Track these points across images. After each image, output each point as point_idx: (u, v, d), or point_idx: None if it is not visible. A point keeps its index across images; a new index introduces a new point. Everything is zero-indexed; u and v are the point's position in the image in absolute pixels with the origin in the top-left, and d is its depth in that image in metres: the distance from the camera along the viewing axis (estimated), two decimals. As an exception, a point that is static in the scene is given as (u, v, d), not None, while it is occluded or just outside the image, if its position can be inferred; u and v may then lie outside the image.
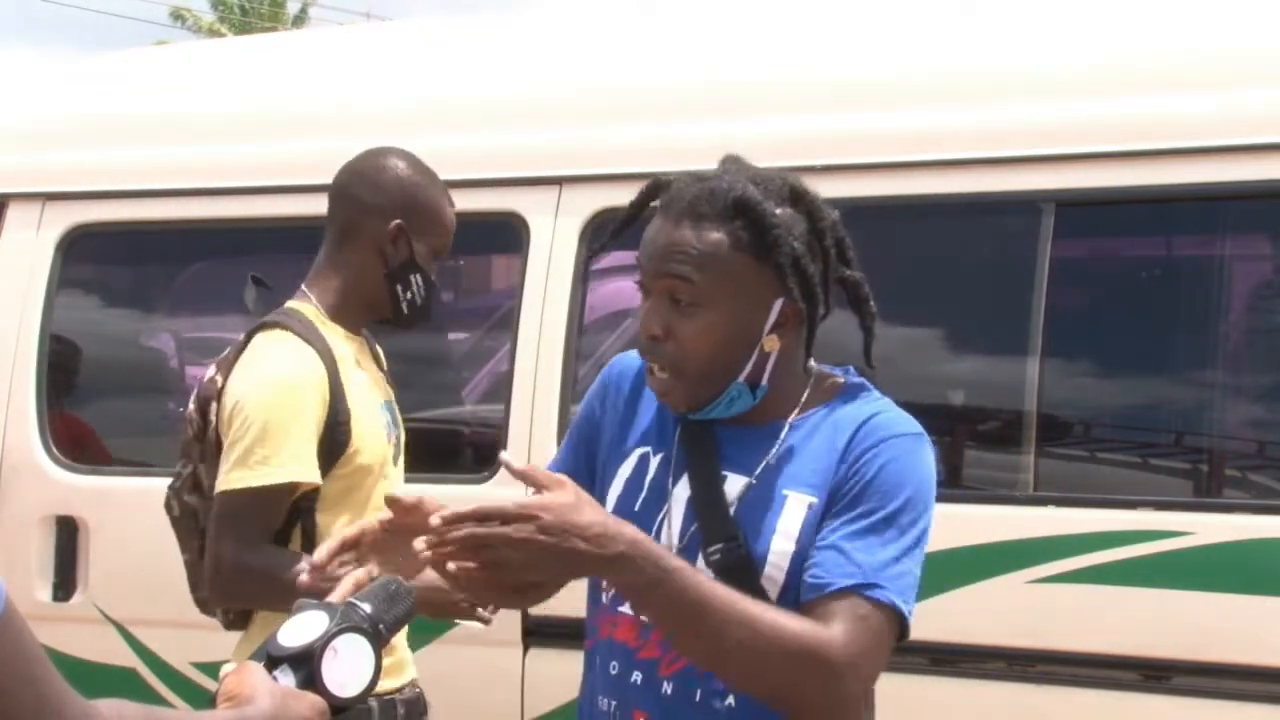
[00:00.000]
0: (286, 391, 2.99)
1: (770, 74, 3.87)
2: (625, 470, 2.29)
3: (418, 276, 3.16)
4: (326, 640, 1.73)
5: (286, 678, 1.71)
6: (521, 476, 2.02)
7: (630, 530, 2.04)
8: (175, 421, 4.89)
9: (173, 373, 4.97)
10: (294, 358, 3.03)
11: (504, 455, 2.09)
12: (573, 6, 4.74)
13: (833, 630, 2.04)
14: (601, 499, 2.27)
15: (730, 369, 2.20)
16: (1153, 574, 3.27)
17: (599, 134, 3.94)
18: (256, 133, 4.36)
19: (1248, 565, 3.24)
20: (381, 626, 1.81)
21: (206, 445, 3.11)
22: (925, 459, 2.21)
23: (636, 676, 2.20)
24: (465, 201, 3.98)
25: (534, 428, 3.82)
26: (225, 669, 1.71)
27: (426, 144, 4.08)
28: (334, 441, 3.03)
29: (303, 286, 3.19)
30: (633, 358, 2.38)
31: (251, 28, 33.27)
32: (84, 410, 4.67)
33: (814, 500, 2.17)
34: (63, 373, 4.50)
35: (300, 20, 35.72)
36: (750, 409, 2.23)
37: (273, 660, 1.72)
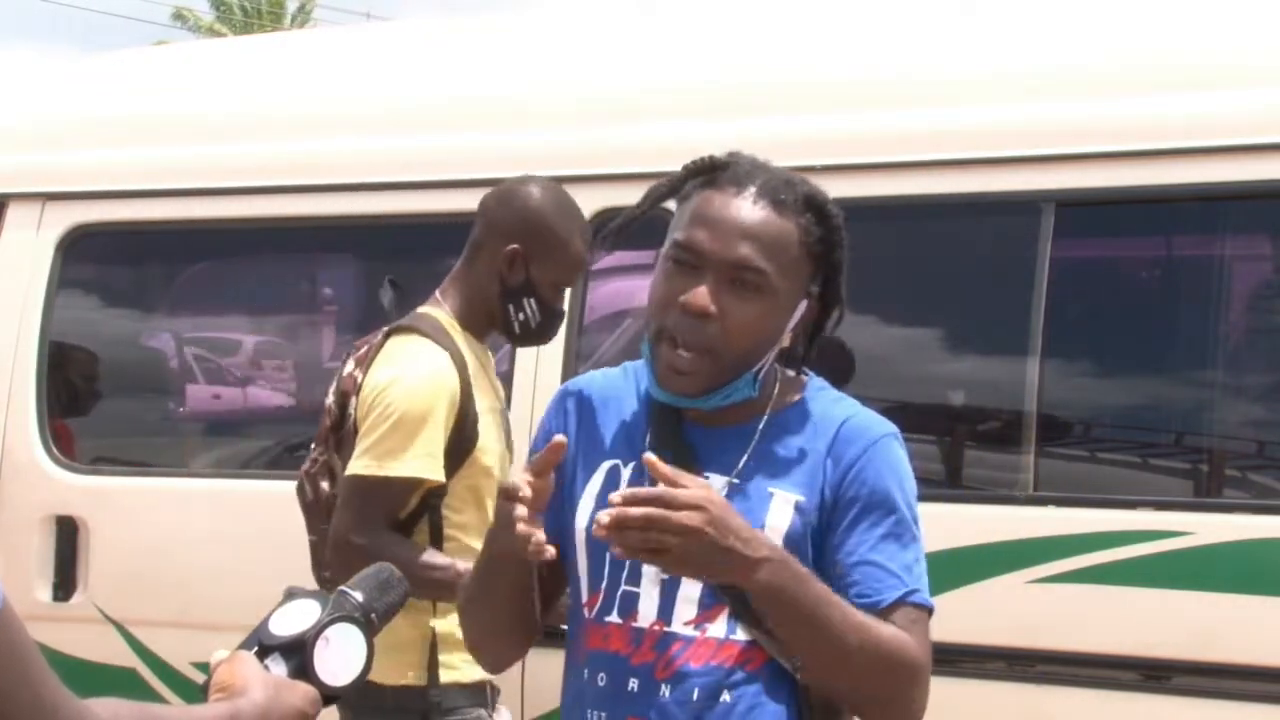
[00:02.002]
0: (422, 391, 3.19)
1: (771, 74, 3.87)
2: (594, 485, 2.27)
3: (532, 301, 3.31)
4: (319, 629, 1.72)
5: (278, 666, 1.70)
6: (666, 478, 2.05)
7: (768, 536, 2.11)
8: (175, 421, 4.91)
9: (173, 373, 4.97)
10: (429, 360, 3.23)
11: (649, 455, 2.09)
12: (573, 6, 4.73)
13: (909, 637, 2.14)
14: (571, 516, 2.27)
15: (754, 360, 2.20)
16: (1153, 574, 3.27)
17: (599, 134, 3.94)
18: (257, 133, 4.36)
19: (1248, 565, 3.24)
20: (373, 615, 1.80)
21: (343, 435, 3.31)
22: (904, 456, 2.26)
23: (633, 684, 2.20)
24: (465, 202, 3.99)
25: (534, 428, 3.81)
26: (216, 657, 1.70)
27: (426, 144, 4.11)
28: (462, 441, 3.22)
29: (436, 293, 3.38)
30: (583, 380, 2.38)
31: (252, 28, 33.26)
32: (84, 411, 4.67)
33: (799, 498, 2.19)
34: (62, 373, 4.50)
35: (299, 18, 35.71)
36: (725, 408, 2.22)
37: (264, 649, 1.71)
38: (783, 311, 2.19)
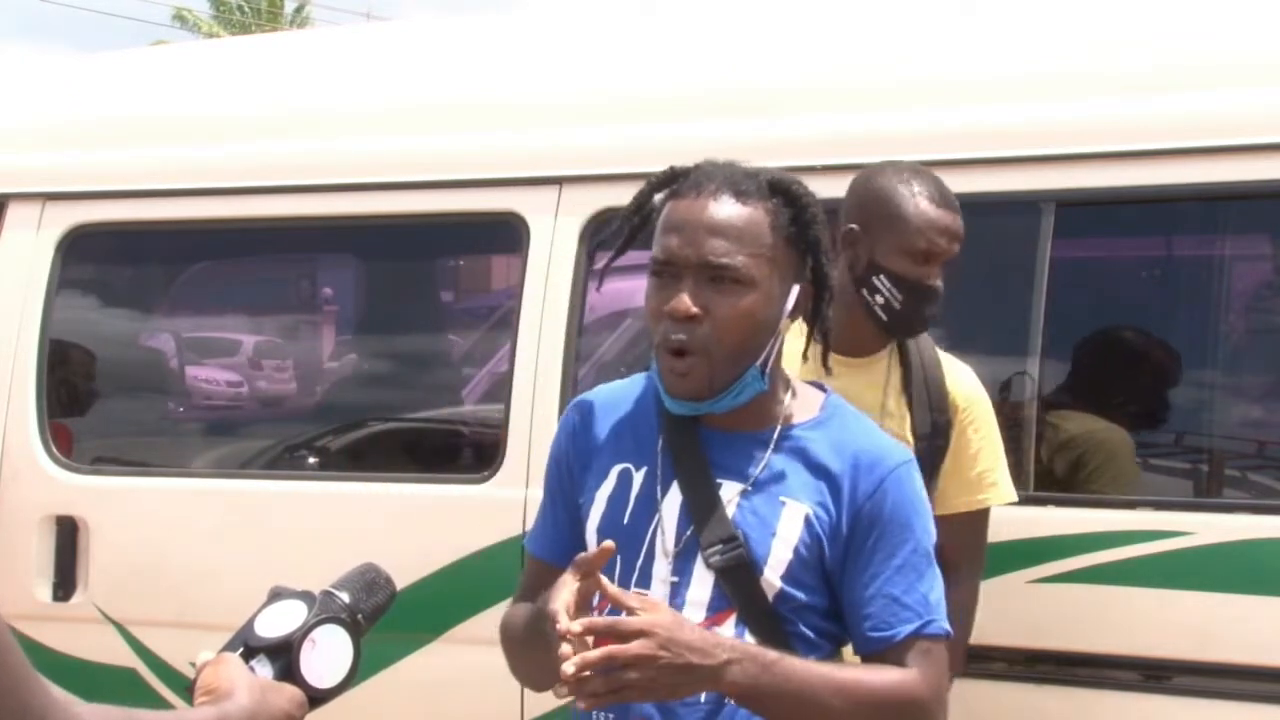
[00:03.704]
0: None
1: (770, 75, 3.86)
2: (606, 489, 2.28)
3: (883, 279, 3.01)
4: (305, 631, 1.71)
5: (264, 668, 1.69)
6: (616, 601, 2.07)
7: (726, 637, 2.12)
8: (175, 421, 4.90)
9: (173, 373, 4.96)
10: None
11: (604, 581, 2.08)
12: (572, 6, 4.73)
13: (912, 674, 2.17)
14: (583, 519, 2.27)
15: (753, 353, 2.21)
16: (1153, 574, 3.27)
17: (599, 134, 3.93)
18: (256, 133, 4.35)
19: (1248, 565, 3.24)
20: (360, 616, 1.79)
21: None
22: (920, 482, 2.28)
23: None
24: (465, 201, 3.99)
25: (534, 428, 3.81)
26: (202, 658, 1.70)
27: (426, 144, 4.10)
28: None
29: None
30: (591, 393, 2.40)
31: (250, 28, 33.24)
32: (84, 411, 4.66)
33: (809, 512, 2.20)
34: (62, 373, 4.50)
35: (298, 18, 35.69)
36: (746, 405, 2.23)
37: (250, 650, 1.71)
38: (772, 300, 2.21)
